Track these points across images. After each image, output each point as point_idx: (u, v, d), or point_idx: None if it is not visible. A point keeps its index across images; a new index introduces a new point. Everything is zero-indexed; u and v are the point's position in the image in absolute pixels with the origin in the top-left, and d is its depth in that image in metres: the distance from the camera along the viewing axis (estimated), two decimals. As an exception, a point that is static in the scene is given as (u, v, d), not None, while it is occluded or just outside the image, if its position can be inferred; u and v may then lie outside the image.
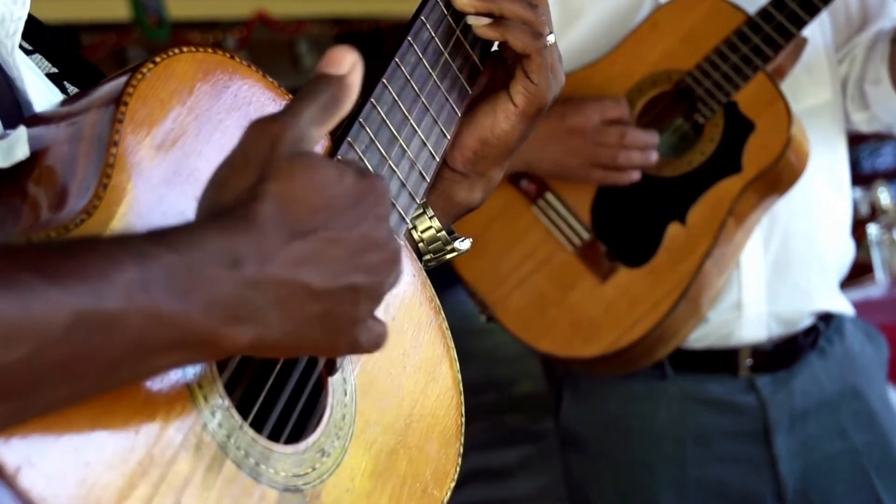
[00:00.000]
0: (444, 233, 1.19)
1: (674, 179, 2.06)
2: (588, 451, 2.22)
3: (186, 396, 0.86)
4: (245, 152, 0.84)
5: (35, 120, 0.95)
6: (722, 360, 2.16)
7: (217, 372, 0.89)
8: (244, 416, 0.90)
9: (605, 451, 2.21)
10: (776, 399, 2.15)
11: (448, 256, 1.20)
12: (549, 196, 2.10)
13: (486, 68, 1.20)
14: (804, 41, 2.06)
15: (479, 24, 1.15)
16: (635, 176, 2.04)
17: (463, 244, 1.20)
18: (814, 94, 2.19)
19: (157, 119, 0.90)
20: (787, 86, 2.07)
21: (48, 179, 0.89)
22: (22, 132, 0.91)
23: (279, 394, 0.96)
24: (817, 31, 2.17)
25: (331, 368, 1.00)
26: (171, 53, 0.93)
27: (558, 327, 2.09)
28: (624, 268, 2.06)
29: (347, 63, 0.89)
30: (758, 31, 2.00)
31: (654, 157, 2.03)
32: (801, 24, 1.99)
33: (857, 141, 6.49)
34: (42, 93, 1.01)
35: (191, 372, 0.87)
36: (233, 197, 0.83)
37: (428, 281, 1.14)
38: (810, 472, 2.15)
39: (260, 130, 0.84)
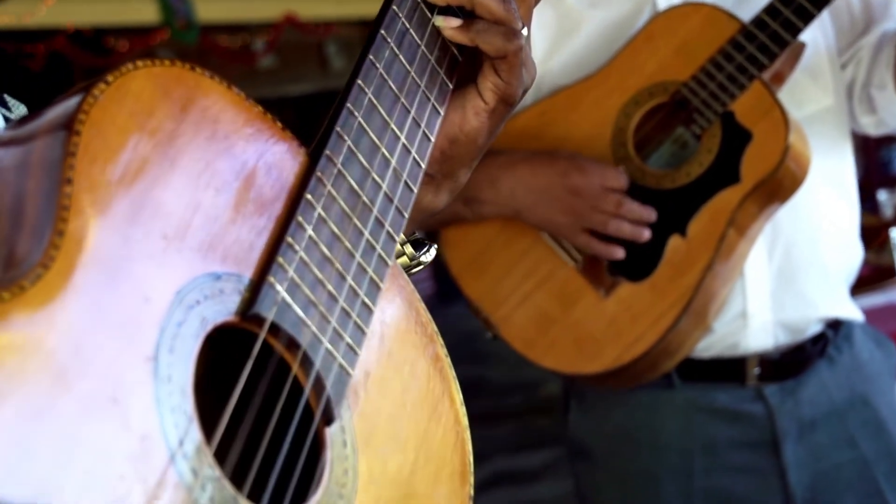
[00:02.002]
0: (409, 247, 1.10)
1: (673, 191, 2.03)
2: (594, 461, 2.21)
3: (171, 469, 0.77)
4: None
5: None
6: (729, 369, 2.14)
7: (205, 438, 0.80)
8: (238, 485, 0.81)
9: (611, 461, 2.20)
10: (784, 408, 2.13)
11: (414, 271, 1.12)
12: None
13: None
14: (802, 46, 2.03)
15: (447, 26, 1.05)
16: (619, 254, 2.03)
17: (427, 256, 1.11)
18: (817, 99, 2.16)
19: (116, 148, 0.81)
20: (788, 91, 2.04)
21: None
22: None
23: (275, 456, 0.86)
24: (819, 35, 2.14)
25: (328, 419, 0.90)
26: (124, 70, 0.83)
27: (561, 345, 2.07)
28: (626, 282, 2.04)
29: None
30: (752, 39, 1.97)
31: (646, 233, 2.02)
32: (796, 30, 1.96)
33: (888, 141, 6.39)
34: None
35: (174, 440, 0.78)
36: None
37: (422, 304, 1.04)
38: (819, 481, 2.13)
39: None
